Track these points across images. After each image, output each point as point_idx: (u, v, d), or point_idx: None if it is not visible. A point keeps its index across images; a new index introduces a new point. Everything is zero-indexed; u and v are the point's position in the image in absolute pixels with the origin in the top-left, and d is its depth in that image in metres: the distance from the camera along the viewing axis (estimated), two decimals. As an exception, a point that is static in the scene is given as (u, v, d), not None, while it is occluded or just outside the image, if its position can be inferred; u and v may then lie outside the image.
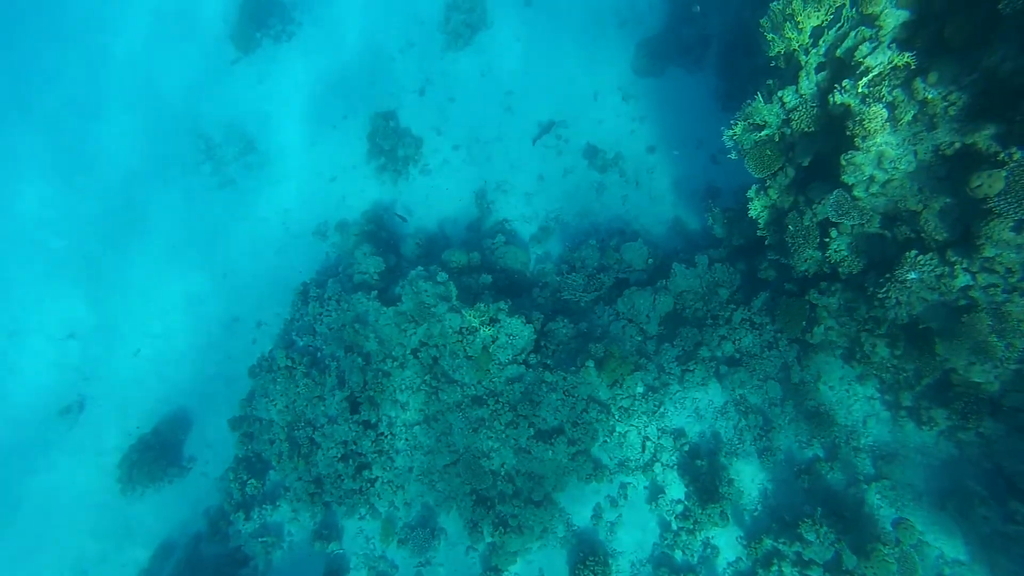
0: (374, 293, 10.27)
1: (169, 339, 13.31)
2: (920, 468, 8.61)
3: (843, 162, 6.86)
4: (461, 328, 9.30)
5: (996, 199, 5.71)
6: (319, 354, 10.25)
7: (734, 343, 9.96)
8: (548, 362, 9.83)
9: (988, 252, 6.20)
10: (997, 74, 5.69)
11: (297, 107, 15.88)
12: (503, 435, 9.14)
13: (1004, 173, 5.66)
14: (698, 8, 11.61)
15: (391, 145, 14.21)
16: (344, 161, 14.73)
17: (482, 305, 9.22)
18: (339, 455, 9.43)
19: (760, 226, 9.19)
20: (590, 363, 9.35)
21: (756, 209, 9.00)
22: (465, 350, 9.24)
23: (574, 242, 12.59)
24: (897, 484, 8.48)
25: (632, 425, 9.61)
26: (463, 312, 9.17)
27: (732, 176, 12.69)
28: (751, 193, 9.05)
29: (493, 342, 9.45)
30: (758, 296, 10.11)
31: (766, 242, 9.39)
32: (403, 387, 9.42)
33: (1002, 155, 5.76)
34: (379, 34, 16.59)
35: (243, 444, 10.25)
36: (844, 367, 9.45)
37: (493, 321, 9.53)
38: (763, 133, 8.15)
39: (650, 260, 11.47)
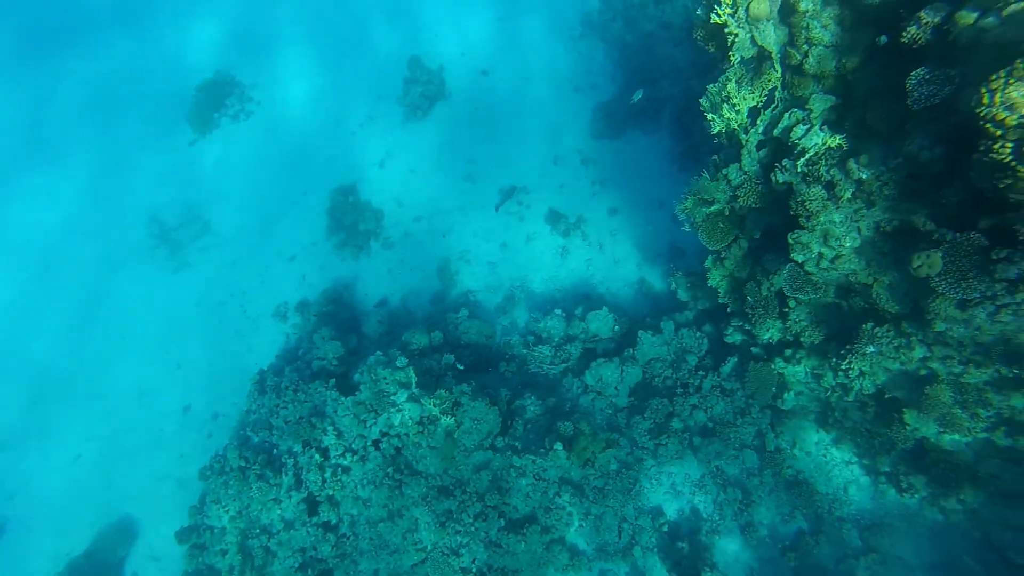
0: (332, 381, 9.87)
1: (116, 439, 12.52)
2: (907, 538, 8.33)
3: (791, 241, 6.89)
4: (422, 418, 8.92)
5: (937, 279, 5.72)
6: (275, 451, 9.70)
7: (706, 412, 9.75)
8: (516, 444, 9.45)
9: (939, 327, 6.18)
10: (918, 160, 5.82)
11: (256, 185, 15.78)
12: (472, 528, 8.64)
13: (940, 254, 5.69)
14: (640, 96, 12.02)
15: (352, 220, 14.10)
16: (304, 238, 14.53)
17: (443, 392, 8.89)
18: (297, 564, 8.77)
19: (720, 295, 9.17)
20: (558, 445, 9.01)
21: (715, 279, 9.00)
22: (428, 441, 8.84)
23: (540, 311, 12.43)
24: (886, 558, 8.18)
25: (608, 506, 9.20)
26: (423, 401, 8.82)
27: (695, 236, 12.88)
28: (708, 263, 9.08)
29: (458, 427, 9.08)
30: (727, 361, 9.99)
31: (728, 309, 9.37)
32: (365, 482, 8.92)
33: (936, 235, 5.81)
34: (338, 110, 16.79)
35: (193, 557, 9.49)
36: (819, 431, 9.28)
37: (456, 405, 9.19)
38: (713, 208, 8.21)
39: (616, 328, 11.33)
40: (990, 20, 4.84)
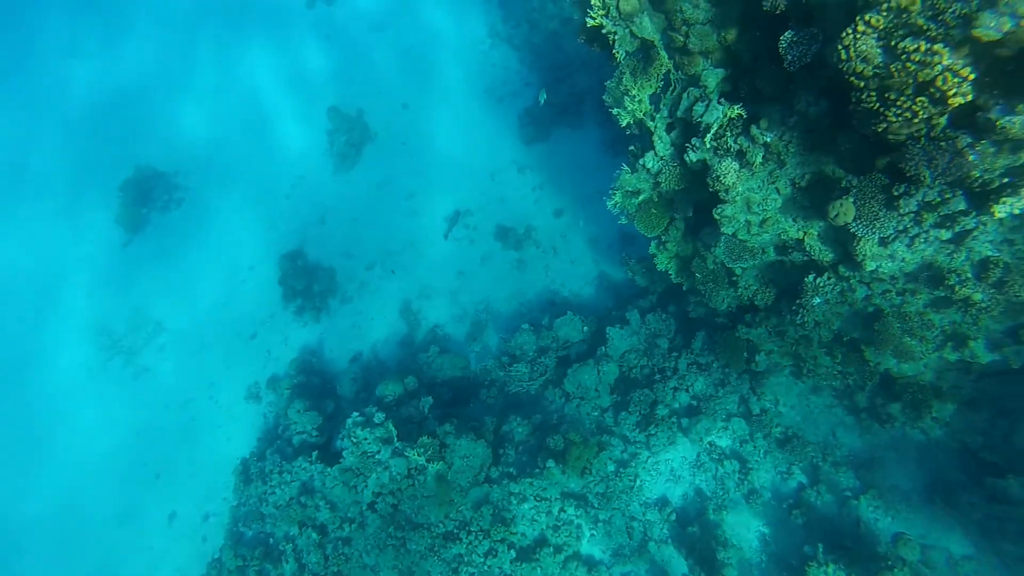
0: (315, 454, 9.72)
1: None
2: (898, 466, 8.49)
3: (716, 216, 6.99)
4: (409, 470, 8.82)
5: (854, 223, 5.86)
6: (271, 540, 9.49)
7: (688, 391, 9.82)
8: (511, 470, 9.40)
9: (869, 266, 6.33)
10: (809, 116, 5.96)
11: (201, 271, 15.52)
12: (484, 568, 8.55)
13: (851, 199, 5.83)
14: (544, 97, 12.16)
15: (304, 283, 13.95)
16: (260, 314, 14.32)
17: (425, 439, 8.81)
18: (319, 648, 8.60)
19: (672, 276, 9.26)
20: (550, 462, 8.99)
21: (662, 263, 9.08)
22: (421, 491, 8.74)
23: (509, 330, 12.41)
24: (883, 491, 8.31)
25: (614, 509, 9.19)
26: (407, 453, 8.72)
27: (637, 223, 13.02)
28: (653, 249, 9.16)
29: (449, 469, 9.00)
30: (696, 337, 10.12)
31: (684, 288, 9.47)
32: (369, 548, 8.77)
33: (844, 182, 5.96)
34: (268, 177, 16.62)
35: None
36: (797, 383, 9.43)
37: (443, 447, 9.11)
38: (641, 197, 8.30)
39: (585, 328, 11.39)
40: (833, -23, 5.00)
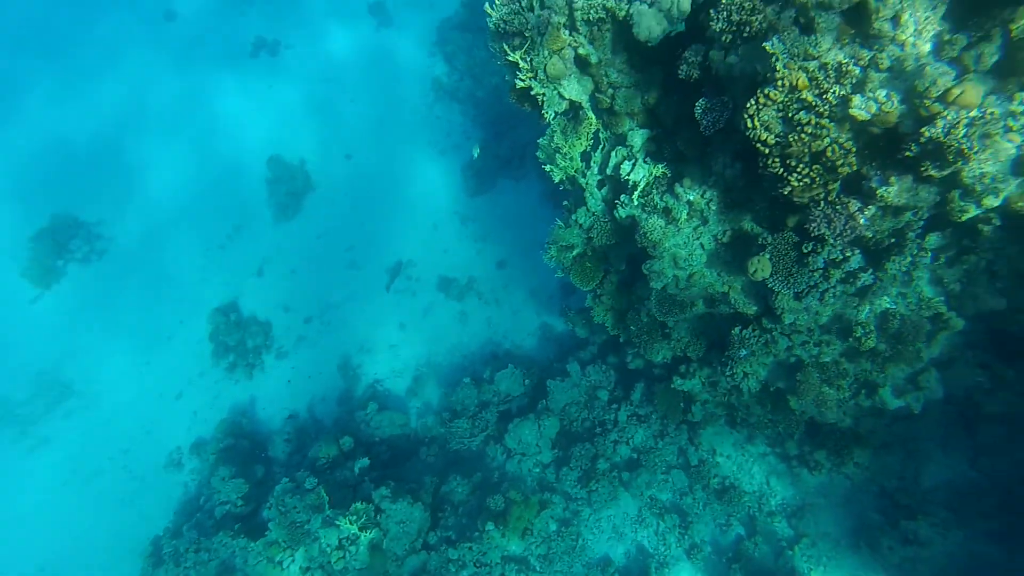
0: (239, 526, 8.99)
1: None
2: (827, 512, 8.68)
3: (646, 271, 7.20)
4: (341, 540, 8.28)
5: (771, 279, 6.16)
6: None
7: (628, 444, 9.82)
8: (450, 535, 8.98)
9: (787, 319, 6.62)
10: (725, 177, 6.33)
11: (120, 329, 14.54)
12: (423, 644, 8.00)
13: (768, 256, 6.15)
14: (478, 152, 12.52)
15: (237, 339, 13.29)
16: (188, 372, 13.47)
17: (359, 505, 8.33)
18: None
19: (609, 328, 9.39)
20: (489, 525, 8.66)
21: (599, 316, 9.21)
22: (354, 563, 8.19)
23: (450, 384, 12.16)
24: (815, 539, 8.43)
25: (557, 572, 8.88)
26: (338, 522, 8.20)
27: (577, 275, 13.27)
28: (589, 302, 9.30)
29: (384, 536, 8.50)
30: (635, 388, 10.20)
31: (621, 339, 9.60)
32: (295, 631, 8.06)
33: (760, 239, 6.29)
34: (200, 228, 16.03)
35: None
36: (732, 433, 9.59)
37: (378, 512, 8.63)
38: (576, 251, 8.47)
39: (527, 381, 11.29)
40: (732, 58, 5.42)
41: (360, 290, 14.55)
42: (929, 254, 6.32)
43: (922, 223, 5.84)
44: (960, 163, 4.48)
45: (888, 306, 6.65)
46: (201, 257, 15.56)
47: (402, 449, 11.06)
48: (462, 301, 13.93)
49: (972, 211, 5.34)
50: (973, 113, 4.40)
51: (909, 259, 5.91)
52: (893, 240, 5.91)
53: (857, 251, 6.01)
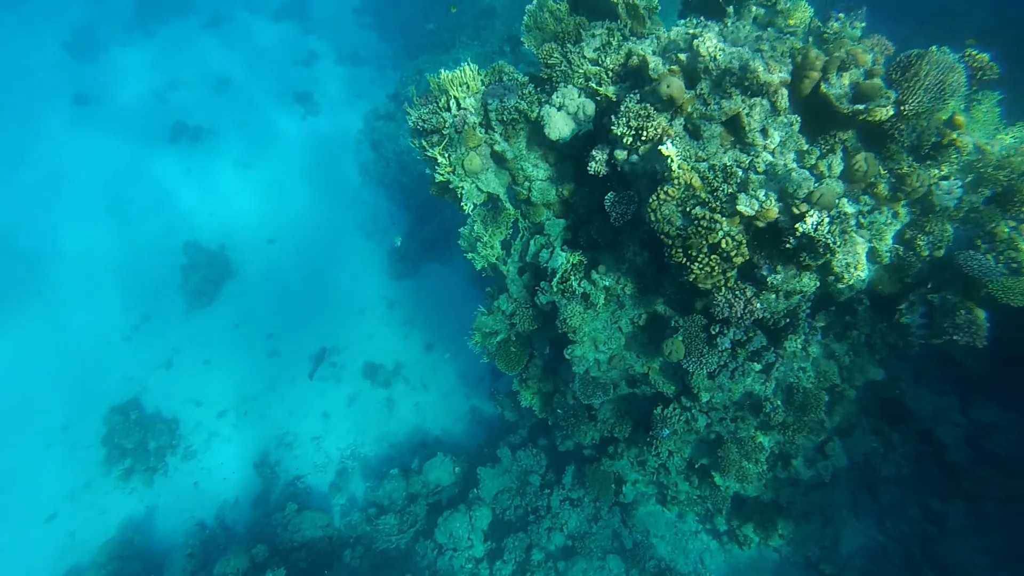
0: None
1: None
2: (761, 588, 8.71)
3: (567, 356, 7.35)
4: (246, 674, 7.29)
5: (685, 360, 6.46)
6: None
7: (562, 530, 9.53)
8: (375, 653, 8.15)
9: (704, 398, 6.91)
10: (636, 264, 6.75)
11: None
12: None
13: (680, 338, 6.48)
14: (400, 242, 12.77)
15: (137, 440, 12.04)
16: (69, 484, 11.89)
17: (267, 629, 7.44)
18: None
19: (537, 412, 9.35)
20: (418, 638, 7.95)
21: (526, 400, 9.18)
22: None
23: (377, 476, 11.50)
24: (751, 618, 8.38)
25: None
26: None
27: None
28: (516, 386, 9.29)
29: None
30: (566, 471, 10.07)
31: (549, 422, 9.56)
32: None
33: (672, 322, 6.66)
34: (103, 319, 14.85)
35: None
36: (664, 511, 9.57)
37: (293, 634, 7.72)
38: (499, 337, 8.54)
39: (457, 470, 10.89)
40: (634, 157, 5.97)
41: (281, 379, 13.81)
42: (819, 331, 6.93)
43: (810, 304, 6.42)
44: (828, 255, 5.04)
45: (791, 380, 7.11)
46: (100, 351, 14.29)
47: (324, 553, 10.14)
48: (389, 387, 13.52)
49: (846, 293, 5.96)
50: (833, 212, 5.02)
51: (803, 337, 6.42)
52: (788, 320, 6.42)
53: (759, 331, 6.48)
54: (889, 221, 5.99)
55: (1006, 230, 5.54)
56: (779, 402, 6.84)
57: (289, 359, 14.15)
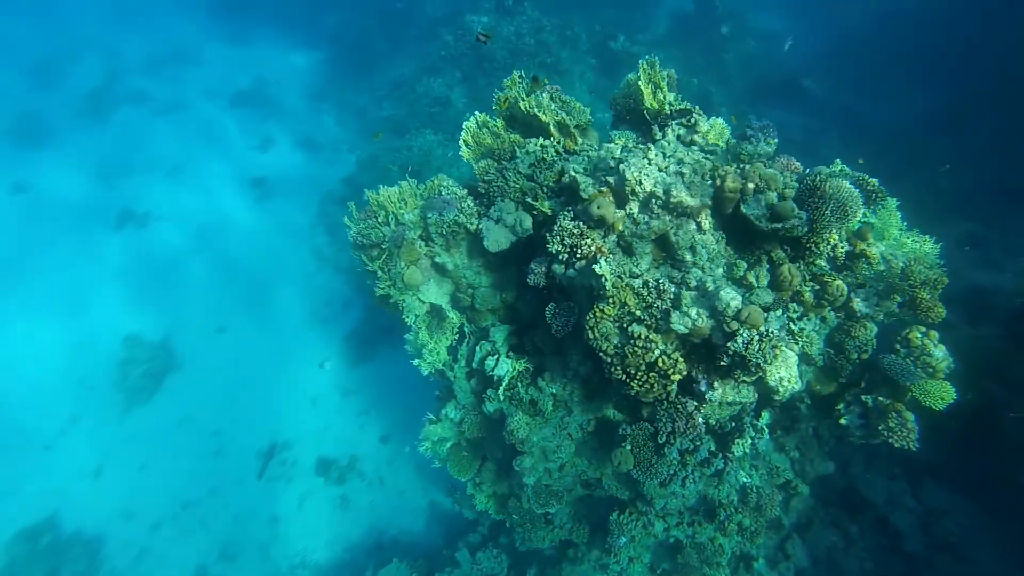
0: None
1: None
2: None
3: (516, 468, 7.15)
4: None
5: (634, 470, 6.35)
6: None
7: (526, 643, 8.97)
8: None
9: (658, 504, 6.77)
10: (580, 372, 6.74)
11: None
12: None
13: (629, 447, 6.40)
14: (327, 366, 12.52)
15: (49, 568, 10.91)
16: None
17: None
18: None
19: (493, 515, 8.98)
20: None
21: (481, 503, 8.82)
22: None
23: (327, 591, 10.72)
24: None
25: None
26: None
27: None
28: (470, 490, 8.95)
29: None
30: (527, 574, 9.59)
31: (507, 524, 9.18)
32: None
33: (621, 429, 6.59)
34: (23, 426, 13.80)
35: None
36: (631, 615, 9.14)
37: None
38: (449, 443, 8.29)
39: (414, 575, 10.25)
40: (571, 272, 6.06)
41: (225, 482, 12.96)
42: (766, 431, 6.96)
43: (753, 406, 6.49)
44: (760, 373, 5.13)
45: (745, 480, 7.06)
46: (16, 463, 13.18)
47: None
48: (343, 484, 12.85)
49: (785, 397, 6.05)
50: (762, 329, 5.15)
51: (749, 440, 6.44)
52: (733, 424, 6.45)
53: (707, 437, 6.47)
54: (818, 327, 6.20)
55: (918, 335, 5.79)
56: (733, 509, 6.75)
57: (236, 458, 13.37)
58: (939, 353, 5.72)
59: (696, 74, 18.81)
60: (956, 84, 15.53)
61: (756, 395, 5.84)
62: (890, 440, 5.84)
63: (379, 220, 7.06)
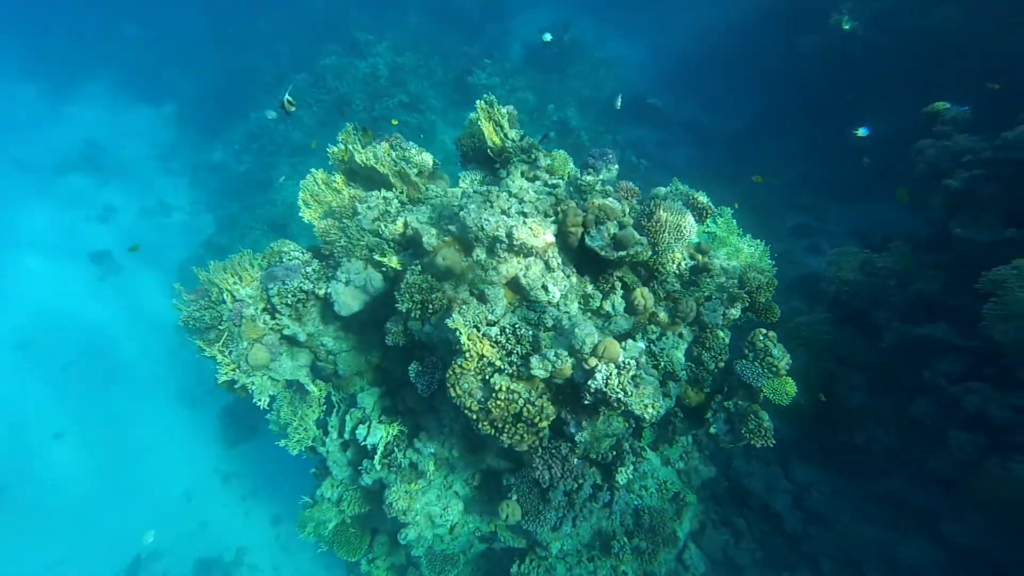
0: None
1: None
2: None
3: (402, 542, 6.63)
4: None
5: (523, 520, 6.10)
6: None
7: None
8: None
9: (554, 549, 6.58)
10: (455, 429, 6.42)
11: None
12: None
13: (516, 498, 6.14)
14: (150, 540, 11.19)
15: None
16: None
17: None
18: None
19: (395, 590, 8.30)
20: None
21: (378, 581, 8.12)
22: None
23: None
24: None
25: None
26: None
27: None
28: (365, 568, 8.21)
29: None
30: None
31: (413, 597, 8.51)
32: None
33: (505, 479, 6.33)
34: None
35: None
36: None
37: None
38: (333, 524, 7.56)
39: None
40: (428, 327, 5.76)
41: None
42: (647, 451, 7.04)
43: (631, 431, 6.52)
44: (622, 407, 5.11)
45: (635, 503, 7.06)
46: None
47: None
48: (231, 584, 11.41)
49: (654, 420, 6.13)
50: (619, 362, 5.15)
51: (631, 467, 6.44)
52: (614, 454, 6.42)
53: (592, 471, 6.37)
54: (676, 343, 6.37)
55: (760, 337, 6.15)
56: (626, 537, 6.70)
57: (93, 582, 11.42)
58: (777, 352, 6.09)
59: (552, 100, 19.62)
60: (769, 90, 17.44)
61: (627, 424, 5.85)
62: (752, 442, 6.09)
63: (213, 298, 6.32)
